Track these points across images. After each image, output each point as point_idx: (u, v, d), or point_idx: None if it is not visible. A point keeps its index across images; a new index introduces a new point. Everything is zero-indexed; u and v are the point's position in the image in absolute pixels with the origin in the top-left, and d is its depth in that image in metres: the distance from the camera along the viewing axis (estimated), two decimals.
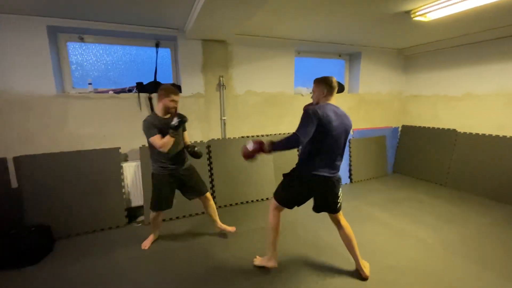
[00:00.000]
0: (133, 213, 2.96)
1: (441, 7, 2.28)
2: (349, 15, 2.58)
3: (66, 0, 2.10)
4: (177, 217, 2.93)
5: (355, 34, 3.30)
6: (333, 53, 4.20)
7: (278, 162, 3.53)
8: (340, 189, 1.89)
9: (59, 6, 2.22)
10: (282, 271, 2.01)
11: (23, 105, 2.51)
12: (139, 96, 2.90)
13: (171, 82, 3.26)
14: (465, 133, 3.76)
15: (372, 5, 2.31)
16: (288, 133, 3.73)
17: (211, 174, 3.22)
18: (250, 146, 1.74)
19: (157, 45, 3.07)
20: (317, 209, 1.92)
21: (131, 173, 2.89)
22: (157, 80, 3.05)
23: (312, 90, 1.92)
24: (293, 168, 1.88)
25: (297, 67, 3.77)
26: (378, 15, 2.59)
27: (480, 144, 3.56)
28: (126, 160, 2.94)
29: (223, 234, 2.55)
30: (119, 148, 2.82)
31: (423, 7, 2.35)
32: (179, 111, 2.24)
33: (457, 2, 2.19)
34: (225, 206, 3.24)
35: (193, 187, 2.32)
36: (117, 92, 2.93)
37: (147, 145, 2.97)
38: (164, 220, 2.79)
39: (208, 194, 2.41)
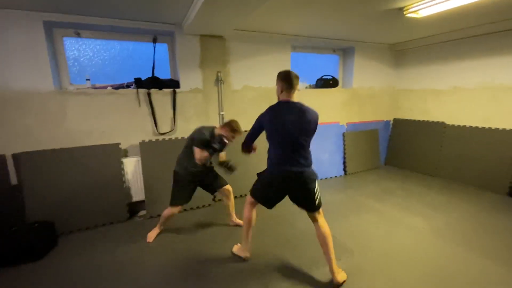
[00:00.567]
0: (134, 208, 3.00)
1: (432, 4, 2.39)
2: (344, 11, 2.65)
3: None
4: (185, 210, 2.96)
5: (349, 29, 3.38)
6: (328, 48, 4.28)
7: None
8: (317, 187, 1.80)
9: (55, 0, 2.20)
10: (283, 266, 2.10)
11: (20, 101, 2.49)
12: (137, 92, 2.91)
13: (169, 77, 3.26)
14: (453, 125, 3.93)
15: (366, 2, 2.38)
16: None
17: None
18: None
19: (154, 40, 3.06)
20: (296, 203, 1.91)
21: (132, 168, 2.91)
22: (155, 75, 3.06)
23: None
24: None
25: (292, 62, 3.83)
26: (372, 12, 2.67)
27: (467, 136, 3.74)
28: (126, 156, 2.96)
29: (226, 227, 2.63)
30: (119, 143, 2.84)
31: (415, 4, 2.45)
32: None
33: (447, 0, 2.29)
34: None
35: (211, 184, 2.48)
36: (116, 88, 2.92)
37: (146, 140, 3.00)
38: None
39: (229, 187, 2.53)
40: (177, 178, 2.33)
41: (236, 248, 2.21)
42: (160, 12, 2.56)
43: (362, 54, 4.29)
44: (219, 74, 3.28)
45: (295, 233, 2.49)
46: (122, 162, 2.84)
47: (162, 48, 3.19)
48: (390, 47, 4.51)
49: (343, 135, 4.29)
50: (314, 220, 1.86)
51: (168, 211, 2.37)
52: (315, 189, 1.79)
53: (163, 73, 3.24)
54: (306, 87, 4.19)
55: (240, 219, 2.59)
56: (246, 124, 3.79)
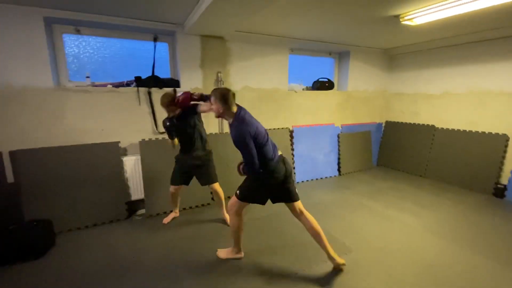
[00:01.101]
0: (133, 207, 2.99)
1: (427, 13, 2.51)
2: (341, 17, 2.73)
3: None
4: (184, 208, 3.01)
5: (345, 34, 3.49)
6: (324, 52, 4.38)
7: None
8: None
9: None
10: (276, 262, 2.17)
11: (19, 98, 2.45)
12: (138, 91, 2.91)
13: (169, 76, 3.27)
14: (442, 128, 4.11)
15: (364, 8, 2.47)
16: (282, 128, 3.90)
17: None
18: (180, 95, 2.17)
19: (155, 39, 3.07)
20: (281, 198, 1.95)
21: (131, 167, 2.91)
22: (155, 74, 3.06)
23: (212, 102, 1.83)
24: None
25: (290, 64, 3.90)
26: (369, 18, 2.77)
27: (455, 138, 3.92)
28: (125, 154, 2.95)
29: (226, 226, 2.67)
30: (119, 142, 2.83)
31: (411, 12, 2.56)
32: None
33: (441, 10, 2.42)
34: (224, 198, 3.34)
35: (199, 179, 2.59)
36: (116, 86, 2.91)
37: (146, 139, 3.03)
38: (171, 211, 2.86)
39: (215, 186, 2.57)
40: (175, 161, 2.60)
41: (224, 253, 2.15)
42: (162, 12, 2.58)
43: (357, 58, 4.42)
44: (219, 74, 3.31)
45: (292, 231, 2.57)
46: (122, 161, 2.84)
47: (162, 47, 3.19)
48: (384, 51, 4.66)
49: (338, 136, 4.41)
50: (300, 214, 1.94)
51: (170, 189, 2.62)
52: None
53: (163, 72, 3.25)
54: (303, 89, 4.28)
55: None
56: None
